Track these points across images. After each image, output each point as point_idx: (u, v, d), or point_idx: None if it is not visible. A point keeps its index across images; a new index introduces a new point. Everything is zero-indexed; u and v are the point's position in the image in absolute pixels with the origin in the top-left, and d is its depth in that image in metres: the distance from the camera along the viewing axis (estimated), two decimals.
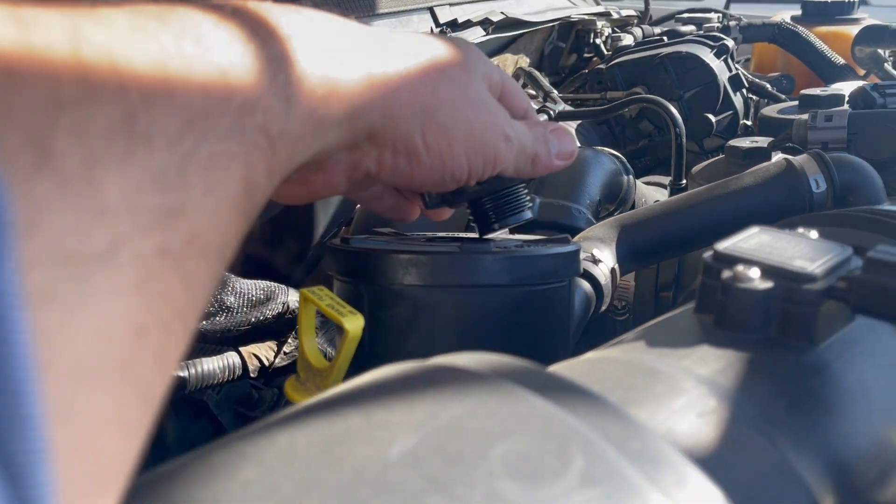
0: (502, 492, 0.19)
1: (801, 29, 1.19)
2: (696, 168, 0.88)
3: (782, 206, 0.57)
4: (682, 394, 0.29)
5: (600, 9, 1.50)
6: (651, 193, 0.88)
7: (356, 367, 0.47)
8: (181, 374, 0.56)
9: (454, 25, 0.95)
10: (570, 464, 0.21)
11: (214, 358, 0.58)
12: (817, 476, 0.29)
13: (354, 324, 0.40)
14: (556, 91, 1.03)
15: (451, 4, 1.00)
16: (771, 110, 0.97)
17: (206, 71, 0.24)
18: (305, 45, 0.30)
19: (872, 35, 1.09)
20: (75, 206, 0.16)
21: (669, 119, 0.81)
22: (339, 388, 0.25)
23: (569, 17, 1.37)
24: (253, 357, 0.60)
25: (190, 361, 0.57)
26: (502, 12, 1.04)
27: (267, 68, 0.27)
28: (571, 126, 1.02)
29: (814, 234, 0.38)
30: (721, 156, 0.87)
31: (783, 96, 1.09)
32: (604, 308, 0.56)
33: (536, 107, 1.04)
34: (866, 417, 0.32)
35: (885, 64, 1.17)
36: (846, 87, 1.06)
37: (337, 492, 0.19)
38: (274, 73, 0.28)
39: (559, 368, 0.33)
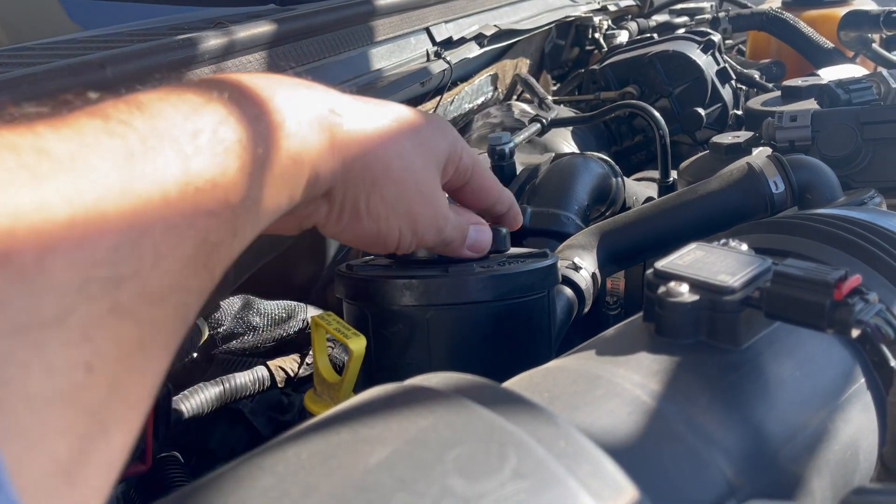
0: (452, 486, 0.26)
1: (787, 16, 1.23)
2: (682, 165, 0.93)
3: (745, 207, 0.63)
4: (616, 396, 0.36)
5: (596, 5, 1.54)
6: (642, 191, 0.93)
7: (367, 377, 0.54)
8: (218, 388, 0.64)
9: (449, 43, 1.01)
10: (505, 462, 0.28)
11: (246, 372, 0.66)
12: (734, 457, 0.35)
13: (358, 344, 0.47)
14: (549, 97, 1.09)
15: (446, 21, 1.06)
16: (755, 102, 1.01)
17: (166, 161, 0.28)
18: (276, 119, 0.34)
19: (854, 20, 1.13)
20: (28, 289, 0.22)
21: (653, 123, 0.86)
22: (335, 409, 0.32)
23: (565, 17, 1.42)
24: (280, 369, 0.68)
25: (224, 377, 0.64)
26: (496, 25, 1.10)
27: (233, 149, 0.31)
28: (566, 131, 1.08)
29: (743, 246, 0.44)
30: (706, 151, 0.92)
31: (770, 86, 1.13)
32: (587, 309, 0.63)
33: (532, 112, 1.10)
34: (782, 405, 0.38)
35: (873, 44, 1.21)
36: (834, 72, 1.10)
37: (329, 493, 0.26)
38: (239, 153, 0.31)
39: (520, 378, 0.39)
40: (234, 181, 0.31)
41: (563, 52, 1.63)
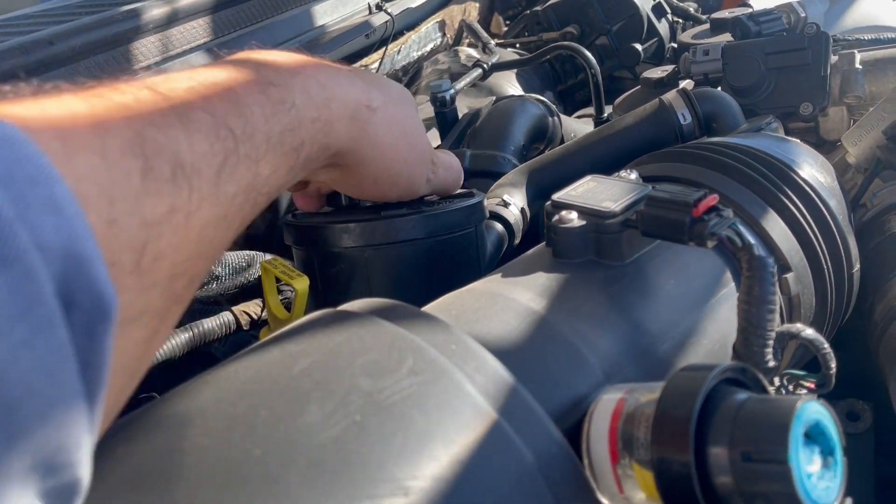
0: (359, 384, 0.33)
1: None
2: (617, 101, 0.99)
3: (657, 138, 0.69)
4: (511, 310, 0.42)
5: None
6: (580, 128, 0.99)
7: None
8: (187, 333, 0.69)
9: None
10: (403, 363, 0.34)
11: (212, 318, 0.72)
12: (610, 352, 0.42)
13: (302, 284, 0.53)
14: (493, 42, 1.13)
15: None
16: (686, 36, 1.06)
17: (242, 172, 0.34)
18: (325, 122, 0.41)
19: None
20: None
21: (584, 62, 0.91)
22: (274, 333, 0.39)
23: None
24: (244, 314, 0.74)
25: (192, 323, 0.70)
26: None
27: (289, 153, 0.38)
28: (511, 74, 1.13)
29: (633, 175, 0.51)
30: (638, 87, 0.98)
31: (704, 18, 1.18)
32: (517, 241, 0.69)
33: (477, 56, 1.14)
34: (657, 308, 0.45)
35: None
36: (765, 0, 1.14)
37: (259, 396, 0.32)
38: (290, 155, 0.38)
39: (437, 301, 0.46)
40: (277, 180, 0.38)
41: None
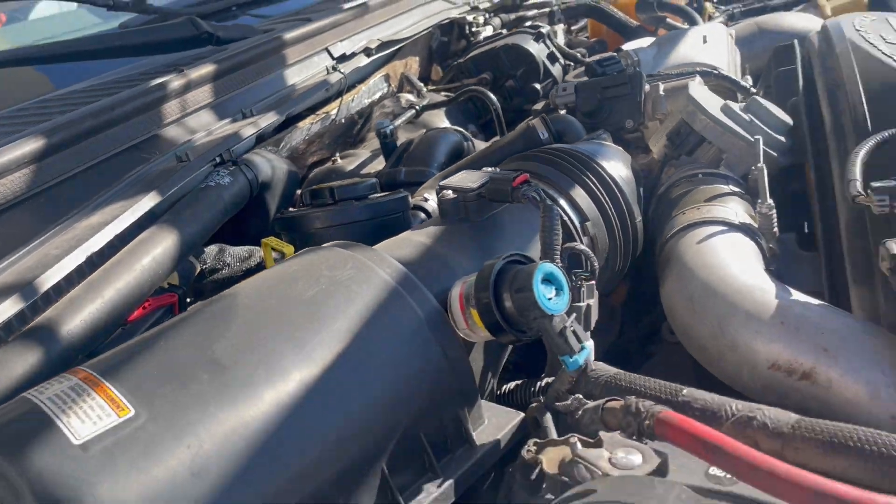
0: (323, 273, 0.64)
1: (603, 4, 1.62)
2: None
3: (525, 149, 1.01)
4: (412, 244, 0.73)
5: (466, 8, 1.92)
6: None
7: None
8: None
9: (344, 57, 1.38)
10: (348, 263, 0.65)
11: None
12: (469, 266, 0.73)
13: (289, 249, 0.84)
14: (425, 88, 1.46)
15: (341, 40, 1.42)
16: (570, 76, 1.40)
17: None
18: None
19: (643, 7, 1.52)
20: None
21: (488, 102, 1.24)
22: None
23: (442, 20, 1.79)
24: None
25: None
26: (379, 38, 1.46)
27: None
28: (442, 111, 1.46)
29: (490, 168, 0.83)
30: (530, 116, 1.31)
31: (588, 60, 1.52)
32: None
33: (413, 100, 1.47)
34: (500, 242, 0.77)
35: (667, 19, 1.61)
36: (632, 45, 1.49)
37: (273, 281, 0.63)
38: None
39: (384, 243, 0.77)
40: None
41: (449, 46, 2.00)
